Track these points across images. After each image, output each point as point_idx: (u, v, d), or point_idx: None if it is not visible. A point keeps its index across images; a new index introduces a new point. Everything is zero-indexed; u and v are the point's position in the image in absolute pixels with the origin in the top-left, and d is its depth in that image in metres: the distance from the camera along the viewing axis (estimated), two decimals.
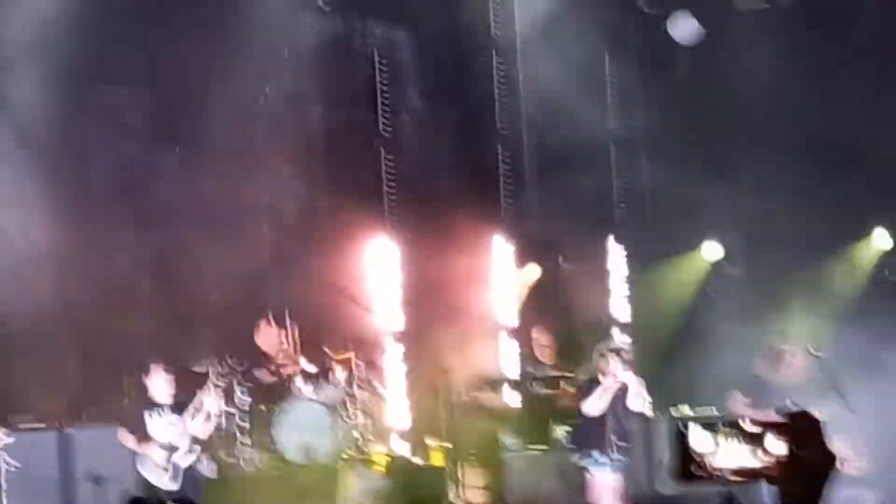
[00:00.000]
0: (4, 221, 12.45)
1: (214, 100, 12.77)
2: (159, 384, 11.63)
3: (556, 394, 13.27)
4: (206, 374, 12.09)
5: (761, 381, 12.63)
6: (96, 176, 12.98)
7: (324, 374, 12.85)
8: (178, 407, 11.53)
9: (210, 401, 11.84)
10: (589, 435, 11.53)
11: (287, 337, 13.37)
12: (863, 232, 14.45)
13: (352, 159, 14.19)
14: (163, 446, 10.92)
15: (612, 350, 11.62)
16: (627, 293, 14.85)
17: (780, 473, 4.79)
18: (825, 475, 4.27)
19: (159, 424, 11.48)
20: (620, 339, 14.17)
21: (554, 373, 13.48)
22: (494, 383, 13.72)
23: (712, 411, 11.62)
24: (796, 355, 11.39)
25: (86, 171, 13.14)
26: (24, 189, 12.55)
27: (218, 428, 11.81)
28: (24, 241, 12.59)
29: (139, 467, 11.08)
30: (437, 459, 12.98)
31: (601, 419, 11.70)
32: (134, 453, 11.03)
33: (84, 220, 12.76)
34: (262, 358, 12.92)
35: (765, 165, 14.00)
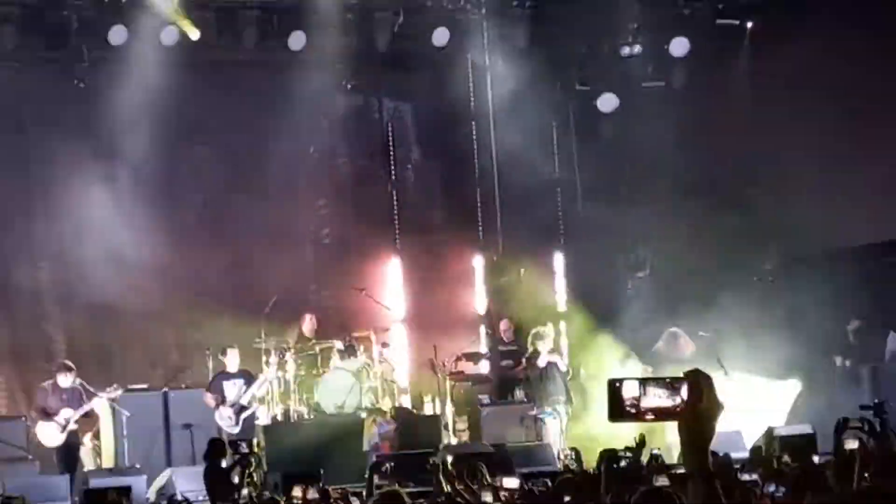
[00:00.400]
0: (122, 242, 15.24)
1: (271, 154, 15.85)
2: (232, 359, 14.50)
3: (514, 364, 15.76)
4: (268, 351, 15.08)
5: (661, 355, 15.48)
6: (188, 209, 16.17)
7: (350, 351, 15.11)
8: (245, 375, 14.51)
9: (270, 370, 14.72)
10: (538, 394, 14.49)
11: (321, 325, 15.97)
12: (735, 248, 16.23)
13: (370, 198, 17.34)
14: (232, 404, 14.23)
15: (539, 334, 14.64)
16: (566, 293, 17.10)
17: (686, 415, 5.51)
18: (716, 418, 5.21)
19: (231, 388, 14.39)
20: (560, 326, 16.94)
21: (513, 349, 15.91)
22: (472, 356, 16.38)
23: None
24: (686, 337, 14.90)
25: (181, 205, 16.16)
26: (137, 218, 15.50)
27: (272, 389, 15.21)
28: (136, 256, 15.42)
29: (216, 418, 14.18)
30: (432, 411, 15.76)
31: (545, 383, 14.57)
32: (213, 408, 14.22)
33: (179, 240, 15.70)
34: (306, 339, 15.47)
35: (665, 201, 16.28)
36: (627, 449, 10.24)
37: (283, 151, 15.92)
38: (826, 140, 15.94)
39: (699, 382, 3.29)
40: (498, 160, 17.18)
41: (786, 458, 11.91)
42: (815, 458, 11.64)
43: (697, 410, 3.33)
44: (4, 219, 15.89)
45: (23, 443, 14.77)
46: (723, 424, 9.40)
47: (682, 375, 3.32)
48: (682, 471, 7.96)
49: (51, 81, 16.08)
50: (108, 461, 15.12)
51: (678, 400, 3.30)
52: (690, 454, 3.42)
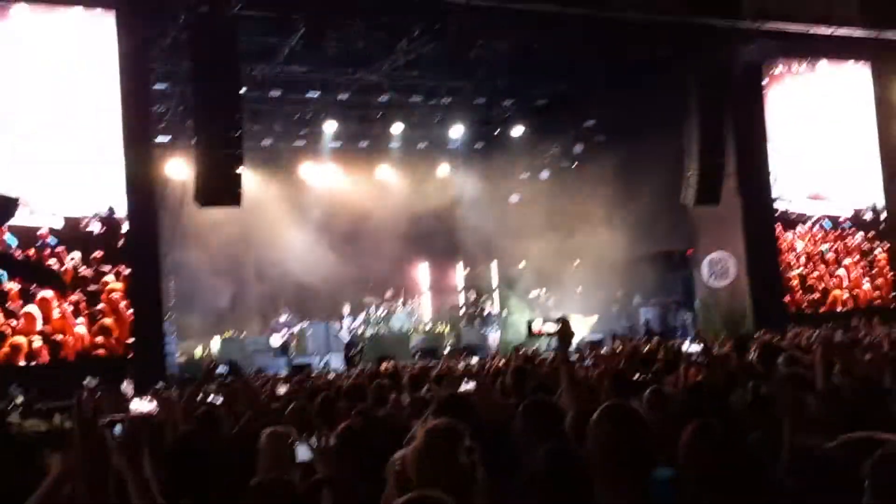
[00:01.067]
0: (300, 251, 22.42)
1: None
2: (345, 310, 21.92)
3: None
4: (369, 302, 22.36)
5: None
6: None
7: (404, 304, 23.31)
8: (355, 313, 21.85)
9: (362, 315, 21.86)
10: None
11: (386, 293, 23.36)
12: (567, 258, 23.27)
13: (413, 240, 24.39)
14: (349, 330, 21.33)
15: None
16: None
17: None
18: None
19: (347, 321, 21.67)
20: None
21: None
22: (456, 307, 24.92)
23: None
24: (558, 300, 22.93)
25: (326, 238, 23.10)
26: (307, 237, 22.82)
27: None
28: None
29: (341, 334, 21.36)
30: (444, 329, 23.47)
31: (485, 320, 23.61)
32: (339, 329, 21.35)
33: (324, 252, 22.60)
34: (385, 299, 23.10)
35: (552, 245, 22.61)
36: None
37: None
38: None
39: (566, 321, 5.54)
40: (472, 235, 24.84)
41: (589, 349, 15.74)
42: (604, 350, 15.10)
43: (566, 333, 5.42)
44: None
45: (265, 344, 21.19)
46: None
47: (558, 318, 5.57)
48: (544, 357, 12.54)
49: None
50: (301, 352, 21.18)
51: (557, 327, 5.42)
52: (563, 352, 5.49)
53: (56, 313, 15.01)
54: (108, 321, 15.35)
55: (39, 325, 14.85)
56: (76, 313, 15.16)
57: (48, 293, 14.84)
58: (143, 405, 6.12)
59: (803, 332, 12.79)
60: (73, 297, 15.11)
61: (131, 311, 15.43)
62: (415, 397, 7.24)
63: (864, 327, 14.64)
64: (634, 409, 3.51)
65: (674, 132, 20.04)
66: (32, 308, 14.81)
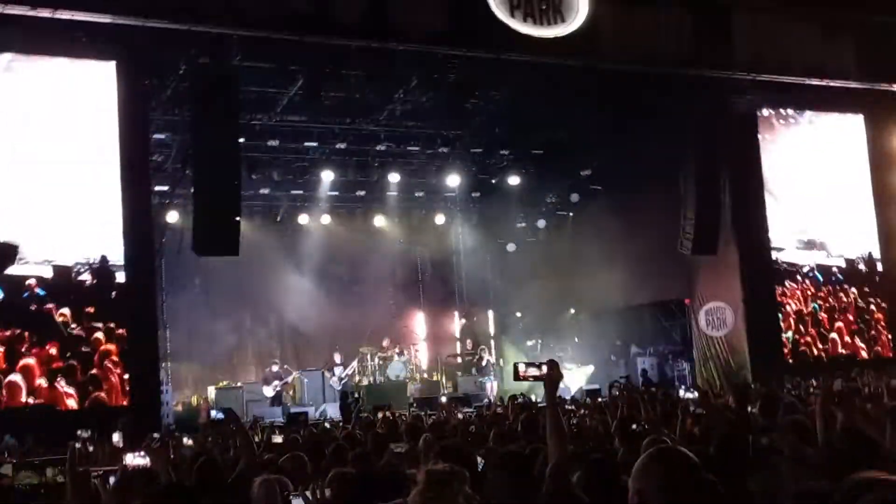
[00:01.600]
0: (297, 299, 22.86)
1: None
2: (337, 359, 22.16)
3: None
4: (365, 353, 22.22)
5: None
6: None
7: (401, 353, 22.86)
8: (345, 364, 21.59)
9: (355, 362, 21.87)
10: (484, 372, 22.87)
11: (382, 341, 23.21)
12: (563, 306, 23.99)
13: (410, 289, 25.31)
14: (340, 379, 21.64)
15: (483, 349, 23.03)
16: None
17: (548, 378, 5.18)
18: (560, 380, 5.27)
19: (339, 370, 22.09)
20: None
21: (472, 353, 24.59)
22: (457, 356, 25.03)
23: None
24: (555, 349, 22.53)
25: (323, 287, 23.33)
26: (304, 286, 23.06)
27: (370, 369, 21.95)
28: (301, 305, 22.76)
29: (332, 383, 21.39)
30: (440, 379, 23.49)
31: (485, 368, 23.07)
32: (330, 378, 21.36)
33: (321, 301, 23.04)
34: (382, 348, 22.89)
35: (549, 294, 23.46)
36: (522, 394, 16.00)
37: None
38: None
39: (554, 364, 5.21)
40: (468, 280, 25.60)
41: (587, 399, 17.58)
42: (599, 399, 16.45)
43: (553, 377, 5.13)
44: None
45: (261, 394, 21.02)
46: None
47: (545, 362, 5.09)
48: (542, 404, 9.69)
49: None
50: (297, 401, 21.24)
51: (544, 370, 5.07)
52: (550, 396, 5.19)
53: (42, 381, 14.45)
54: (102, 394, 14.84)
55: (24, 397, 14.28)
56: (68, 381, 14.62)
57: (31, 360, 14.32)
58: (136, 459, 6.09)
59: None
60: (63, 363, 14.54)
61: (126, 374, 15.03)
62: (411, 446, 7.20)
63: (864, 378, 14.58)
64: (686, 453, 3.41)
65: (670, 181, 20.12)
66: (16, 377, 14.29)
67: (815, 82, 20.47)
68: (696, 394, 8.84)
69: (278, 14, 15.60)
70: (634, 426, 7.23)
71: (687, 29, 18.76)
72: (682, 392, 10.24)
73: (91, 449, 8.49)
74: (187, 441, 11.35)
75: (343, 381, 21.86)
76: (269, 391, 21.39)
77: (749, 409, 8.33)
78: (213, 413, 18.32)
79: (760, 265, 20.72)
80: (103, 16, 14.75)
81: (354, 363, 22.46)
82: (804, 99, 21.12)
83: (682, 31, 18.72)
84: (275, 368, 21.88)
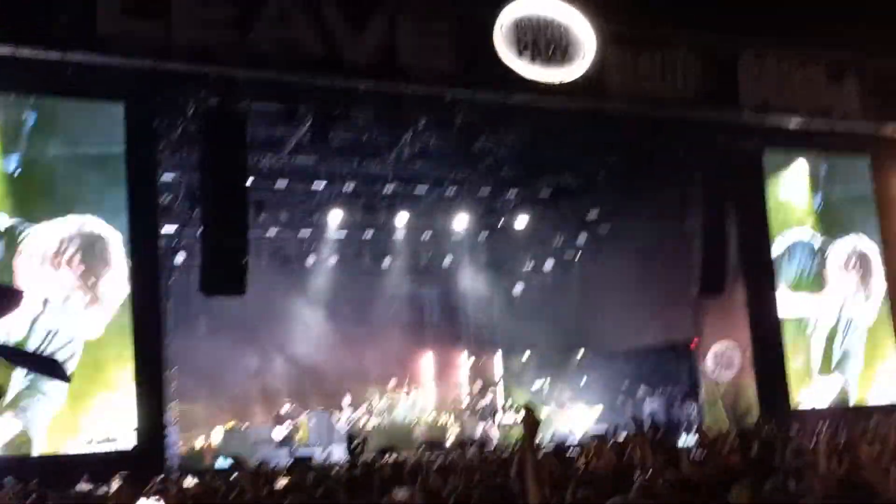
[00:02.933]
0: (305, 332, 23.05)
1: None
2: (346, 401, 21.95)
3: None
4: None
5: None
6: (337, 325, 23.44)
7: (407, 394, 22.77)
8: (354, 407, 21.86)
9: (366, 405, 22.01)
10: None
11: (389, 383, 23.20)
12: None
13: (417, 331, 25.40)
14: (348, 421, 21.65)
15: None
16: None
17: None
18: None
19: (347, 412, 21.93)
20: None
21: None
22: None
23: None
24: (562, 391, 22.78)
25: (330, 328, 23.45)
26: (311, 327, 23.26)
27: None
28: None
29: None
30: (447, 421, 22.37)
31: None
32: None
33: (327, 342, 23.25)
34: (388, 390, 22.75)
35: (556, 336, 23.38)
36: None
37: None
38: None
39: (531, 409, 5.09)
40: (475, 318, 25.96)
41: (596, 441, 15.42)
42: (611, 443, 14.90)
43: (529, 422, 5.10)
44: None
45: (268, 435, 20.67)
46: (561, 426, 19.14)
47: (523, 406, 5.29)
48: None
49: None
50: (303, 443, 20.70)
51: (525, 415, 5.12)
52: (528, 440, 5.08)
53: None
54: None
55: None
56: None
57: None
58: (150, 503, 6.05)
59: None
60: None
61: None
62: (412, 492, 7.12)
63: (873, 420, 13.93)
64: None
65: (677, 223, 20.16)
66: None
67: (821, 125, 20.50)
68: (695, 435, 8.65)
69: (289, 56, 15.72)
70: (637, 474, 7.12)
71: (694, 72, 18.88)
72: (683, 437, 10.01)
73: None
74: (192, 483, 11.27)
75: (351, 424, 21.71)
76: (278, 433, 21.25)
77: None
78: (220, 461, 18.22)
79: (768, 306, 20.62)
80: (114, 58, 14.85)
81: (364, 406, 22.39)
82: (810, 141, 21.06)
83: (689, 74, 18.83)
84: (284, 410, 21.75)
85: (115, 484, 10.51)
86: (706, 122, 19.29)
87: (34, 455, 14.40)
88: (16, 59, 14.17)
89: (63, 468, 13.40)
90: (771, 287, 20.71)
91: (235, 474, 9.63)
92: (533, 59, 17.17)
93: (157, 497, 6.01)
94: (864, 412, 17.26)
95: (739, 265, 20.25)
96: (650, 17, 18.68)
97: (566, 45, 17.46)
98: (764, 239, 20.81)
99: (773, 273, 20.79)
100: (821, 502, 5.15)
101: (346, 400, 22.22)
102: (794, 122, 20.29)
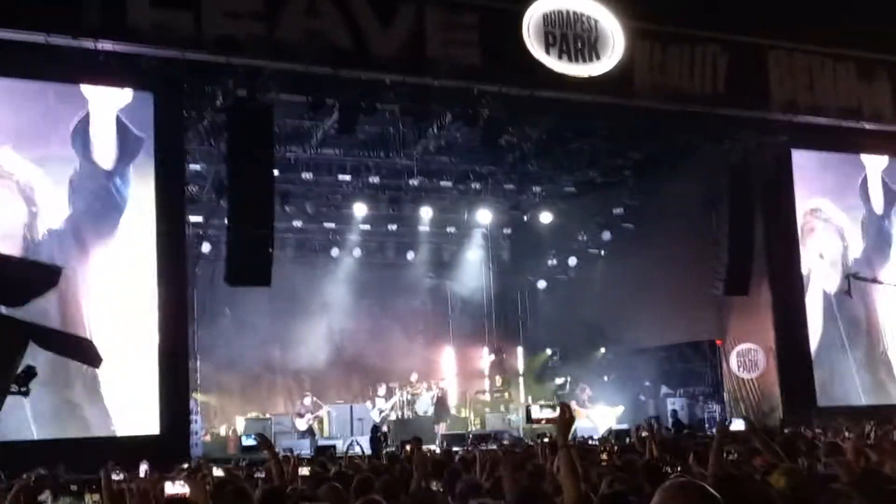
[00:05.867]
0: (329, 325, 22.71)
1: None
2: (380, 391, 22.25)
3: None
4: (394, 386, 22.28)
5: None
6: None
7: (429, 388, 22.71)
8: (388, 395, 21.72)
9: (395, 397, 21.99)
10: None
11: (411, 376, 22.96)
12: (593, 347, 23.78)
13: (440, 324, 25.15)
14: (381, 411, 21.70)
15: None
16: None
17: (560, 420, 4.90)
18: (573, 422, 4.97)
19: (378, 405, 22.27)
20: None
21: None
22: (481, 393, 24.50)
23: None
24: (585, 390, 22.36)
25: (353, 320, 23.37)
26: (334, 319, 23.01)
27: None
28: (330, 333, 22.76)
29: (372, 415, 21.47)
30: (468, 415, 22.96)
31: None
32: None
33: (350, 334, 23.25)
34: (410, 383, 22.62)
35: (579, 332, 23.35)
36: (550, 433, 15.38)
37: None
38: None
39: (566, 406, 5.04)
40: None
41: (615, 439, 16.76)
42: (627, 440, 15.70)
43: (565, 420, 4.99)
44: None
45: (289, 426, 21.03)
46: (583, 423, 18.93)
47: (557, 404, 8.51)
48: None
49: None
50: (326, 434, 21.06)
51: (557, 412, 5.10)
52: (563, 437, 4.96)
53: None
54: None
55: None
56: None
57: None
58: (176, 487, 6.13)
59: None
60: None
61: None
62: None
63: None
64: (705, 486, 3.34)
65: (703, 220, 20.10)
66: None
67: (850, 123, 20.40)
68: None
69: (317, 48, 15.78)
70: (668, 469, 7.12)
71: (722, 68, 18.82)
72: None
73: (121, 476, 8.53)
74: (216, 471, 11.35)
75: (383, 414, 21.77)
76: (301, 424, 21.39)
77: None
78: (245, 439, 18.40)
79: (794, 306, 20.53)
80: (144, 47, 15.01)
81: (395, 397, 22.45)
82: (839, 140, 20.94)
83: (717, 71, 18.79)
84: (307, 401, 21.85)
85: (143, 468, 10.63)
86: (734, 119, 19.20)
87: (60, 439, 14.54)
88: (48, 47, 14.29)
89: (89, 453, 13.36)
90: (797, 287, 20.55)
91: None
92: (561, 53, 17.19)
93: (182, 483, 6.08)
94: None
95: (765, 265, 20.12)
96: (679, 13, 18.63)
97: (594, 40, 17.49)
98: (791, 238, 20.70)
99: (800, 273, 20.64)
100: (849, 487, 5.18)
101: (382, 391, 22.29)
102: (823, 120, 20.12)
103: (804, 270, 20.76)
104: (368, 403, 22.08)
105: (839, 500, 5.20)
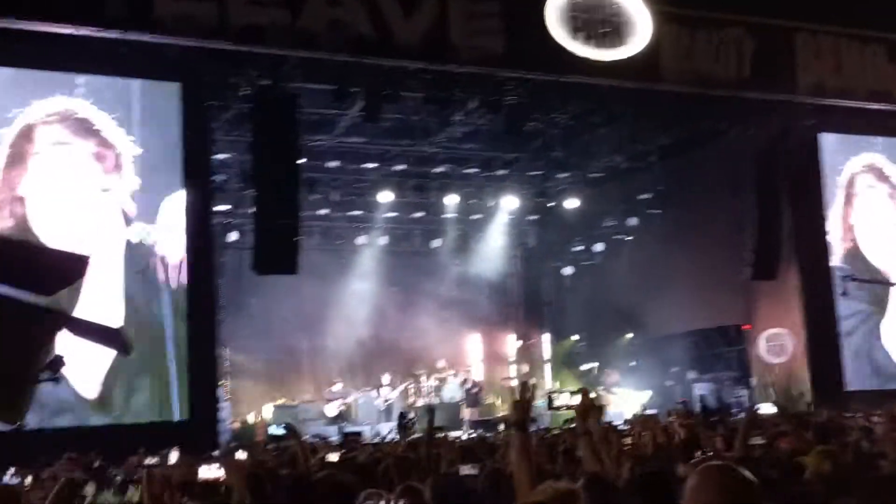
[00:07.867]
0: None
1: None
2: (384, 380, 21.90)
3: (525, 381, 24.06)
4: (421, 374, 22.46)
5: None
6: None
7: (455, 374, 22.62)
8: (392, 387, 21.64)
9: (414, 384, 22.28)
10: None
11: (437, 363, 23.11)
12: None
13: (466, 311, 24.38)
14: (385, 400, 21.60)
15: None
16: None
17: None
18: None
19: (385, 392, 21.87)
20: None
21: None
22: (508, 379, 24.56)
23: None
24: (612, 375, 22.96)
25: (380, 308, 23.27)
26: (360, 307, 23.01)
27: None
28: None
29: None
30: (495, 401, 22.92)
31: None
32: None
33: (377, 321, 23.19)
34: (437, 370, 22.72)
35: (606, 318, 23.41)
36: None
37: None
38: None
39: (587, 393, 5.40)
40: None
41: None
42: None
43: (585, 406, 5.16)
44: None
45: (317, 413, 21.09)
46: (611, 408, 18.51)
47: (578, 391, 5.89)
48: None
49: None
50: (353, 420, 20.94)
51: (580, 398, 5.22)
52: (581, 423, 5.14)
53: None
54: None
55: None
56: None
57: None
58: (211, 472, 6.17)
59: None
60: None
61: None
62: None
63: None
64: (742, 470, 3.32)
65: (730, 206, 19.97)
66: None
67: (878, 106, 20.21)
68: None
69: (340, 37, 15.78)
70: (700, 452, 7.05)
71: (749, 51, 18.68)
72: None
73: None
74: (243, 457, 11.43)
75: (388, 402, 21.83)
76: (331, 409, 21.49)
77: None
78: (273, 428, 18.38)
79: (822, 291, 20.40)
80: (170, 38, 15.06)
81: (403, 385, 22.43)
82: (867, 123, 20.75)
83: (743, 54, 18.64)
84: (336, 388, 21.99)
85: (174, 455, 10.74)
86: (761, 103, 19.06)
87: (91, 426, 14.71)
88: (74, 38, 14.36)
89: (120, 439, 13.63)
90: (826, 271, 20.44)
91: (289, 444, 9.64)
92: (587, 38, 17.09)
93: (218, 466, 6.12)
94: None
95: (793, 249, 20.00)
96: None
97: (620, 24, 17.37)
98: (819, 222, 20.59)
99: (828, 257, 20.54)
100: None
101: (386, 379, 22.30)
102: (850, 104, 19.92)
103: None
104: (385, 393, 22.06)
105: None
